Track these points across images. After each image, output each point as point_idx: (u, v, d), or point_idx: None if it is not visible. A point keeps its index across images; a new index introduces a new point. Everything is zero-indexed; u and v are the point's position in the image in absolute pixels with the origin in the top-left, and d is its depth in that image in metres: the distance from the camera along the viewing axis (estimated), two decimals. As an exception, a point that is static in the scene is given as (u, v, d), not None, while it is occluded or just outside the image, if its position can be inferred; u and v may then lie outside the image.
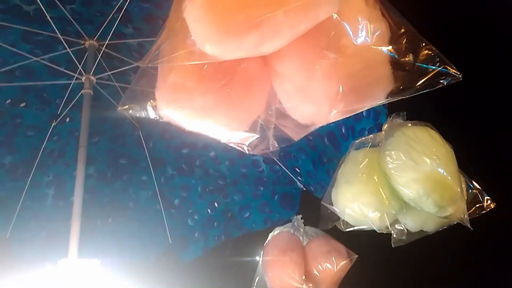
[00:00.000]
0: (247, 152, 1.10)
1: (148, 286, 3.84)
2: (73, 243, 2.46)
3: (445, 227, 1.75)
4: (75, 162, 2.80)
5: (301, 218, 2.60)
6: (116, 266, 3.02)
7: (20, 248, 3.35)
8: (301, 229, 2.55)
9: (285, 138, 1.12)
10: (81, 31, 2.93)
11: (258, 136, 1.08)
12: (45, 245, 3.34)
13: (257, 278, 2.45)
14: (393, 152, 1.61)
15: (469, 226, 1.65)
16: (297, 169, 3.27)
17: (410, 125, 1.71)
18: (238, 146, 1.10)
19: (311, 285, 2.25)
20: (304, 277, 2.26)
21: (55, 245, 2.96)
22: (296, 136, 1.12)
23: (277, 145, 1.10)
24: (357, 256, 2.37)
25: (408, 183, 1.57)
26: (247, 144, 1.09)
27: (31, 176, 3.26)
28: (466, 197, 1.71)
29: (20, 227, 3.31)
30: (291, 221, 2.61)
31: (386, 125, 1.80)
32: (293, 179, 3.30)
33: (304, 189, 3.28)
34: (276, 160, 3.30)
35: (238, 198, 3.59)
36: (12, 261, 3.25)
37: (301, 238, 2.52)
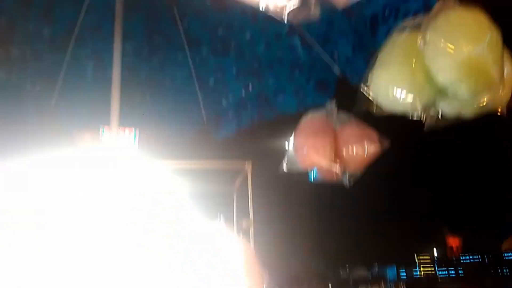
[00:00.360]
0: (286, 21, 1.06)
1: (183, 159, 4.08)
2: (113, 114, 2.60)
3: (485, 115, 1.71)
4: (111, 36, 2.81)
5: (335, 104, 2.61)
6: (152, 138, 3.19)
7: (65, 116, 3.54)
8: (335, 115, 2.57)
9: (328, 5, 1.05)
10: None
11: (300, 2, 1.03)
12: (87, 116, 3.51)
13: (288, 156, 2.54)
14: (431, 35, 1.54)
15: (505, 116, 1.62)
16: (335, 54, 3.16)
17: (458, 8, 1.60)
18: (277, 14, 1.05)
19: (339, 164, 2.33)
20: (333, 157, 2.33)
21: (96, 115, 3.11)
22: (341, 2, 1.05)
23: (319, 13, 1.05)
24: (388, 142, 2.40)
25: (444, 68, 1.52)
26: (287, 12, 1.04)
27: (69, 49, 3.32)
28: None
29: (63, 96, 3.47)
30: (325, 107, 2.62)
31: (435, 7, 1.69)
32: (330, 64, 3.21)
33: (341, 75, 3.20)
34: (313, 44, 3.19)
35: (272, 82, 3.57)
36: (58, 127, 3.45)
37: (334, 123, 2.55)
